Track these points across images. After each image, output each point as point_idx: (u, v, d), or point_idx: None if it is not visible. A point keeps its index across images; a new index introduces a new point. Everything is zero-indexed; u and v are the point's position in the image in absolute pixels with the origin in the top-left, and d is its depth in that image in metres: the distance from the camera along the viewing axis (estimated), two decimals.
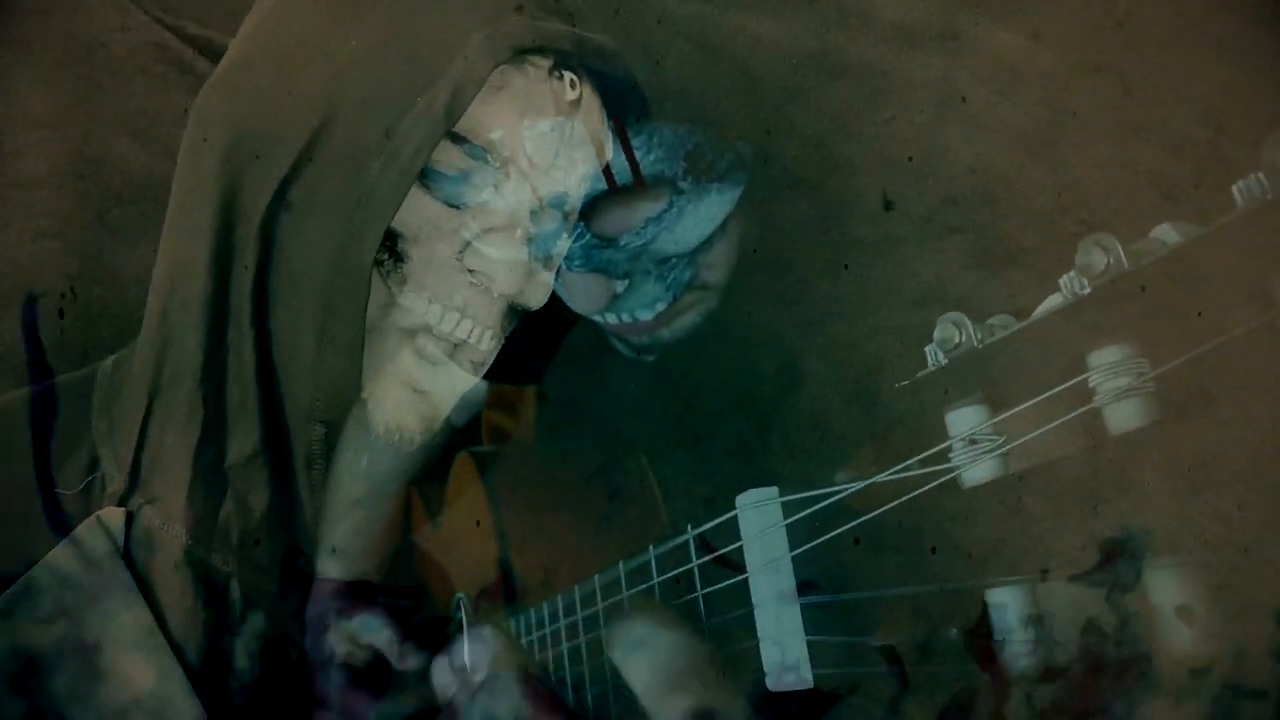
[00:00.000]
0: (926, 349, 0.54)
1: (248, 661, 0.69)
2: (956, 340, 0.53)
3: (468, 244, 0.70)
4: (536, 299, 0.74)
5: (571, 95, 0.71)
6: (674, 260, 0.85)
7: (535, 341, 0.86)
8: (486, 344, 0.73)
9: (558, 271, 0.86)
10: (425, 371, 0.72)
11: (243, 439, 0.68)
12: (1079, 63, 0.74)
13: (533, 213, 0.72)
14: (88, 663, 0.65)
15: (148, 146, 0.94)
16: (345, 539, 0.74)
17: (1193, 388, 0.42)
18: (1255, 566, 0.40)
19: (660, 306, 0.86)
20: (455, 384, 0.74)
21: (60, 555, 0.66)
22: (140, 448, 0.69)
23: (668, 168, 0.81)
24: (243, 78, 0.69)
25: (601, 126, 0.76)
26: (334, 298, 0.67)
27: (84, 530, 0.67)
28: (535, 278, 0.73)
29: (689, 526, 0.64)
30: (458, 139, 0.67)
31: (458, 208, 0.69)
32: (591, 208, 0.82)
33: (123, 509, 0.68)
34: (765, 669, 0.56)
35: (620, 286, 0.85)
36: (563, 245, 0.76)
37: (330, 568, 0.74)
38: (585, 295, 0.85)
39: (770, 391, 0.86)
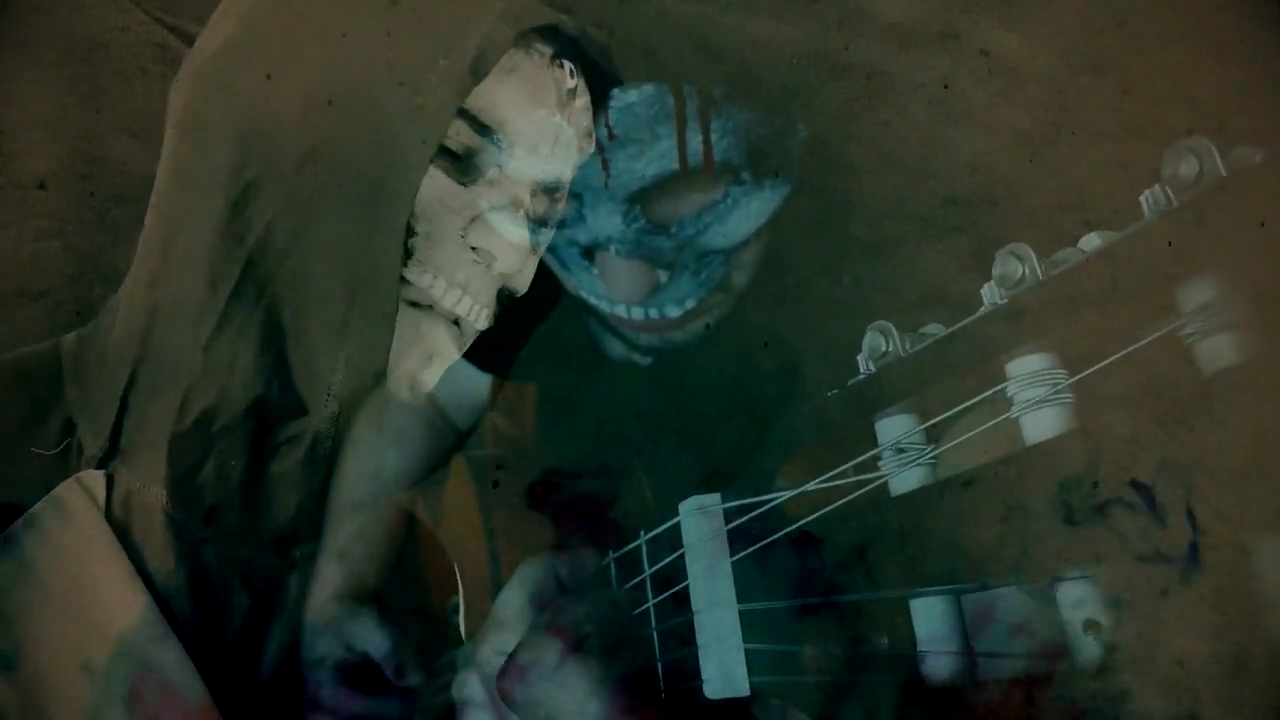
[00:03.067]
0: (858, 357, 0.55)
1: (230, 628, 0.70)
2: (884, 349, 0.54)
3: (472, 220, 0.71)
4: (524, 283, 0.76)
5: (570, 84, 0.74)
6: (711, 256, 0.84)
7: (506, 332, 0.86)
8: (482, 323, 0.75)
9: (593, 258, 0.86)
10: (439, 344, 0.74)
11: (235, 402, 0.68)
12: (1079, 63, 0.74)
13: (532, 195, 0.74)
14: (71, 614, 0.65)
15: (148, 146, 0.94)
16: (348, 541, 0.74)
17: (1193, 388, 0.42)
18: (1256, 566, 0.40)
19: (689, 304, 0.85)
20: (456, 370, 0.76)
21: (40, 511, 0.67)
22: (121, 414, 0.70)
23: (735, 156, 0.80)
24: (246, 50, 0.69)
25: (590, 117, 0.78)
26: (364, 263, 0.68)
27: (63, 489, 0.68)
28: (529, 261, 0.75)
29: (641, 531, 0.64)
30: (467, 116, 0.69)
31: (464, 185, 0.71)
32: (649, 191, 0.81)
33: (102, 471, 0.69)
34: (703, 676, 0.56)
35: (664, 277, 0.84)
36: (548, 234, 0.77)
37: (332, 570, 0.73)
38: (630, 282, 0.84)
39: (770, 391, 0.85)
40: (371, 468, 0.75)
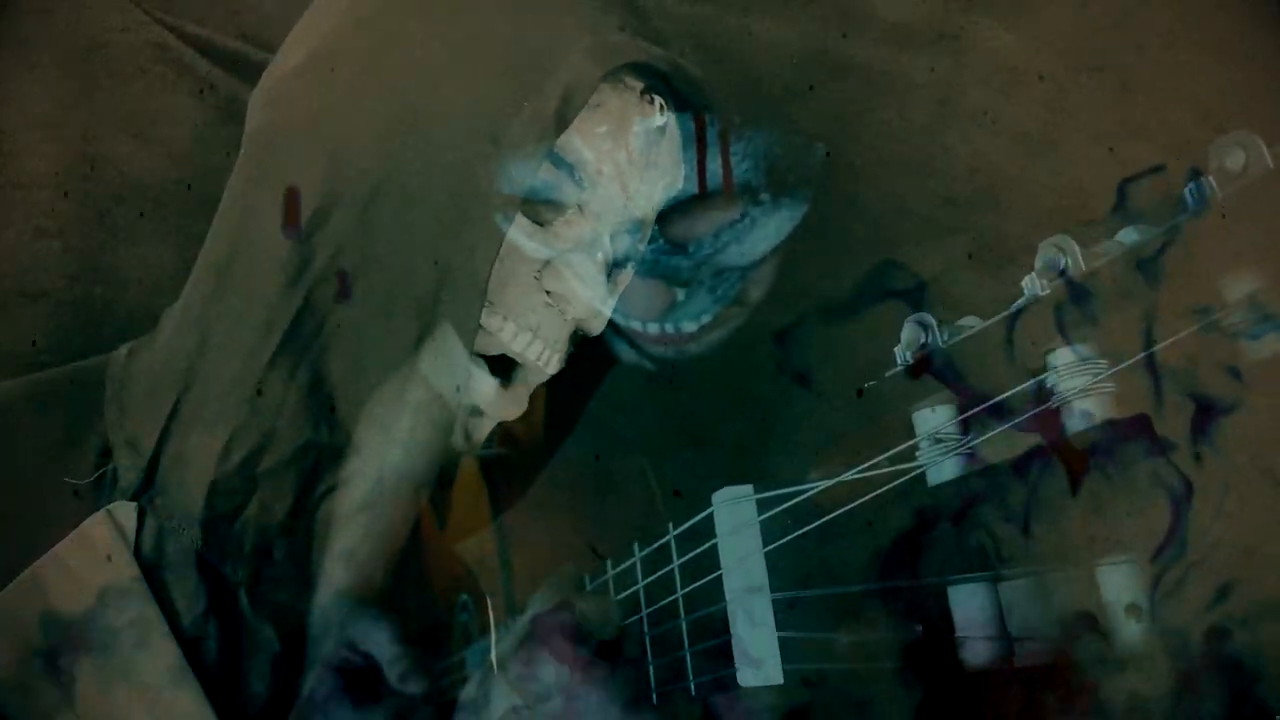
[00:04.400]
0: (895, 349, 0.55)
1: (262, 683, 0.67)
2: (922, 340, 0.54)
3: (548, 263, 0.68)
4: (600, 325, 0.73)
5: (660, 121, 0.70)
6: (728, 273, 0.84)
7: None
8: (552, 367, 0.72)
9: (611, 275, 0.85)
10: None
11: (283, 445, 0.66)
12: (1079, 63, 0.74)
13: (613, 237, 0.71)
14: (94, 659, 0.63)
15: (148, 146, 0.94)
16: (355, 541, 0.74)
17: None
18: (1256, 566, 0.40)
19: (705, 319, 0.85)
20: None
21: (67, 548, 0.64)
22: (162, 444, 0.67)
23: (755, 177, 0.80)
24: (324, 71, 0.67)
25: (680, 154, 0.74)
26: (440, 311, 0.64)
27: (91, 524, 0.65)
28: (606, 303, 0.72)
29: (670, 526, 0.64)
30: (549, 153, 0.65)
31: (541, 224, 0.67)
32: (669, 212, 0.80)
33: (134, 504, 0.66)
34: (735, 664, 0.56)
35: (681, 295, 0.84)
36: (628, 274, 0.75)
37: (339, 570, 0.73)
38: (645, 301, 0.83)
39: (770, 392, 0.85)
40: (379, 468, 0.74)
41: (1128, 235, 0.47)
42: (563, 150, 0.66)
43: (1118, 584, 0.45)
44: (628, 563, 0.67)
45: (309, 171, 0.64)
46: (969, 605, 0.51)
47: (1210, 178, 0.42)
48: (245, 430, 0.65)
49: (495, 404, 0.72)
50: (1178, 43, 0.71)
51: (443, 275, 0.64)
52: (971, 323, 0.53)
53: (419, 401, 0.73)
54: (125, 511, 0.66)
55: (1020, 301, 0.49)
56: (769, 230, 0.82)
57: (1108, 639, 0.44)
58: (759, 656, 0.56)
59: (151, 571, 0.64)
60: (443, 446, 0.72)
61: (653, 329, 0.86)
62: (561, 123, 0.63)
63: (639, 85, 0.68)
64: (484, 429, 0.74)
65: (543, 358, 0.70)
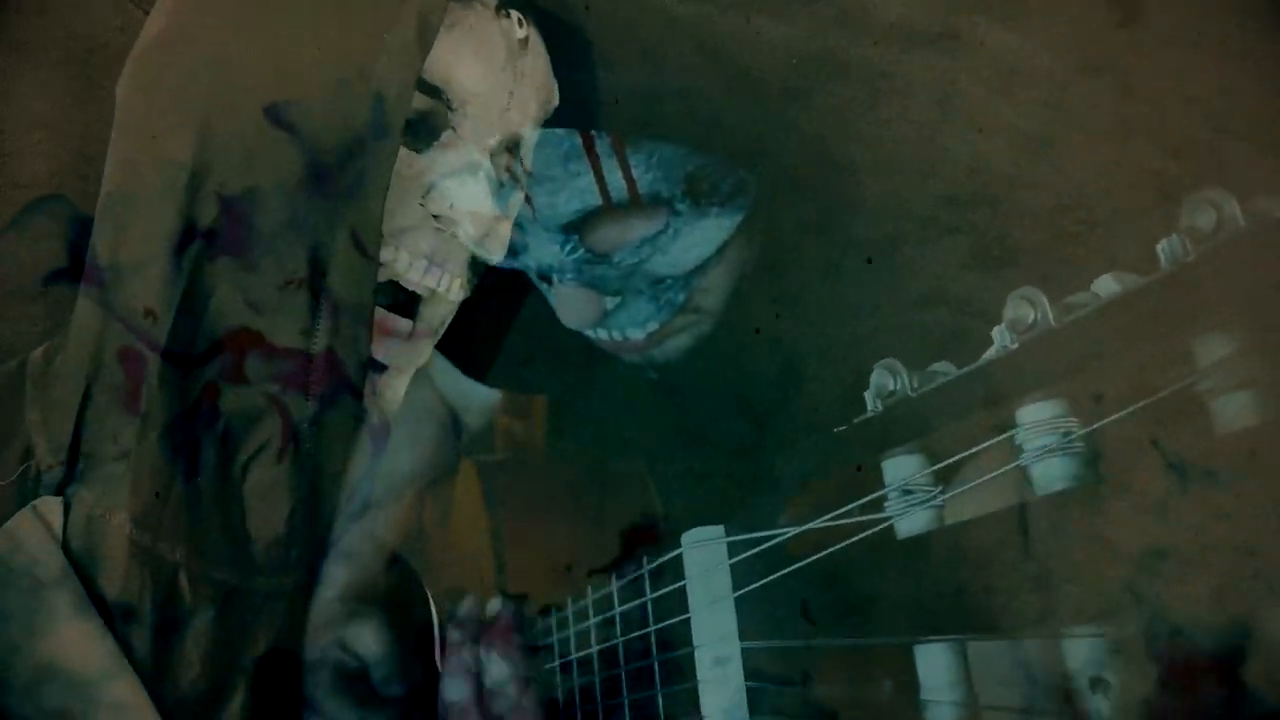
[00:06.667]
0: (865, 394, 0.54)
1: (197, 663, 0.64)
2: (891, 387, 0.53)
3: (431, 187, 0.69)
4: (498, 250, 0.73)
5: (520, 34, 0.71)
6: (668, 281, 0.84)
7: (487, 327, 0.86)
8: (455, 293, 0.72)
9: (550, 282, 0.85)
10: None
11: (198, 416, 0.64)
12: (1079, 63, 0.74)
13: (492, 156, 0.71)
14: (25, 658, 0.61)
15: None
16: (356, 541, 0.73)
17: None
18: (1256, 567, 0.40)
19: (652, 326, 0.86)
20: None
21: None
22: (78, 432, 0.65)
23: (665, 188, 0.81)
24: (179, 43, 0.66)
25: (549, 68, 0.75)
26: (335, 258, 0.64)
27: (15, 522, 0.63)
28: (498, 225, 0.72)
29: (644, 559, 0.64)
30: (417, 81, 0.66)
31: (419, 151, 0.68)
32: (586, 222, 0.81)
33: (59, 498, 0.64)
34: (703, 711, 0.56)
35: (611, 303, 0.84)
36: (518, 196, 0.75)
37: (339, 570, 0.73)
38: (576, 309, 0.85)
39: (770, 392, 0.85)
40: (380, 467, 0.74)
41: (1103, 284, 0.46)
42: (428, 75, 0.66)
43: (1084, 656, 0.44)
44: (601, 591, 0.67)
45: (180, 141, 0.64)
46: (935, 666, 0.50)
47: (1183, 235, 0.41)
48: (156, 406, 0.64)
49: (399, 352, 0.71)
50: (1178, 43, 0.71)
51: (331, 225, 0.64)
52: (944, 369, 0.52)
53: (425, 403, 0.73)
54: (50, 506, 0.64)
55: (989, 353, 0.48)
56: (695, 240, 0.82)
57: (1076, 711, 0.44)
58: (727, 705, 0.55)
59: (83, 563, 0.63)
60: (446, 447, 0.72)
61: (601, 335, 0.87)
62: (424, 46, 0.64)
63: (492, 1, 0.70)
64: (396, 386, 0.73)
65: (442, 283, 0.70)
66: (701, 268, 0.85)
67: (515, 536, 0.83)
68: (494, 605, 0.72)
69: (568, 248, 0.82)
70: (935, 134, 0.78)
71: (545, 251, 0.83)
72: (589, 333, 0.88)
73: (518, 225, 0.81)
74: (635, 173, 0.79)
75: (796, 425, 0.82)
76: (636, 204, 0.81)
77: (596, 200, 0.80)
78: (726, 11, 0.80)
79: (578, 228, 0.81)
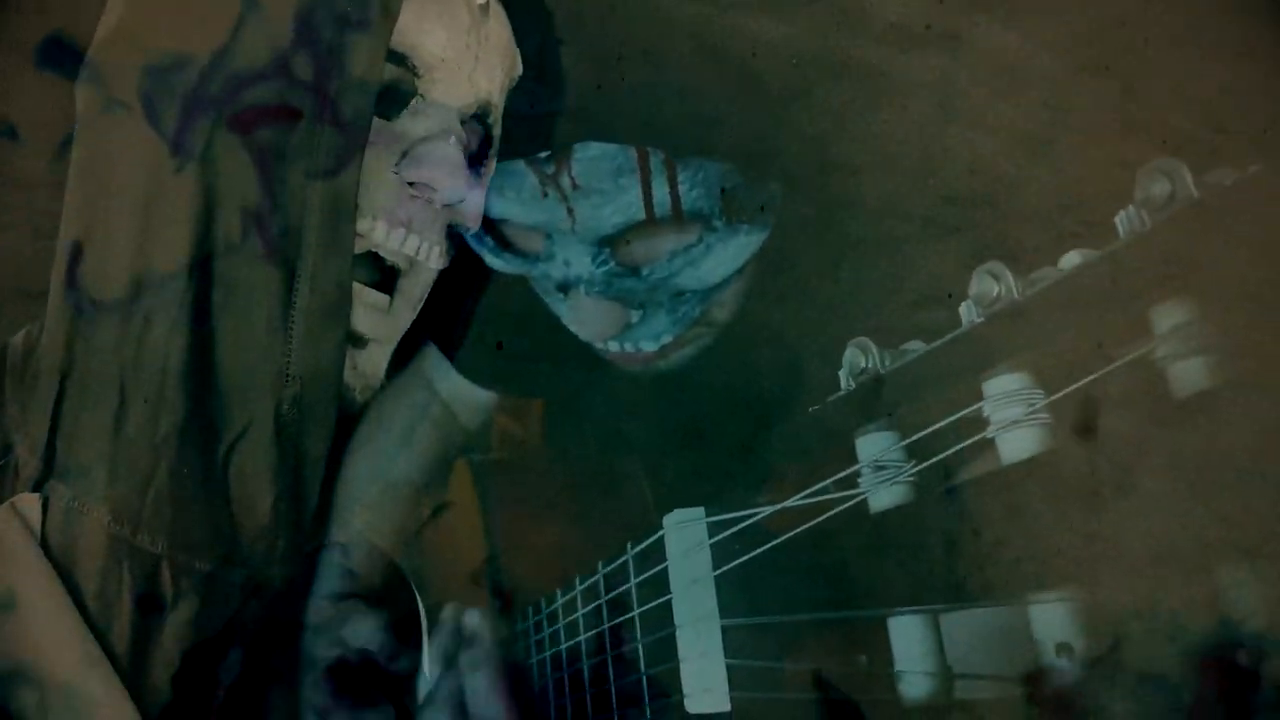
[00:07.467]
0: (839, 373, 0.55)
1: (178, 657, 0.63)
2: (863, 365, 0.53)
3: (404, 155, 0.69)
4: (473, 217, 0.74)
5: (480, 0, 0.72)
6: (688, 295, 0.84)
7: (457, 305, 0.85)
8: (435, 261, 0.72)
9: (567, 293, 0.85)
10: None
11: (171, 410, 0.63)
12: (1079, 63, 0.74)
13: (462, 121, 0.72)
14: (5, 658, 0.60)
15: None
16: (354, 540, 0.73)
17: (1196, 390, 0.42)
18: (1256, 567, 0.40)
19: (666, 339, 0.86)
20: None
21: None
22: (54, 428, 0.64)
23: (706, 204, 0.80)
24: (135, 32, 0.66)
25: (510, 35, 0.76)
26: (311, 236, 0.64)
27: None
28: (474, 191, 0.73)
29: (628, 545, 0.64)
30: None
31: (388, 119, 0.69)
32: (621, 235, 0.81)
33: (37, 494, 0.63)
34: (684, 690, 0.56)
35: (635, 316, 0.84)
36: (490, 163, 0.75)
37: (333, 572, 0.73)
38: (598, 321, 0.84)
39: (770, 392, 0.85)
40: (378, 467, 0.74)
41: (1069, 260, 0.47)
42: (395, 44, 0.67)
43: (1049, 621, 0.44)
44: (588, 581, 0.67)
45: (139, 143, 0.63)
46: (908, 638, 0.50)
47: (1139, 207, 0.42)
48: (134, 394, 0.63)
49: (380, 325, 0.72)
50: (1178, 43, 0.71)
51: (308, 206, 0.64)
52: (915, 347, 0.53)
53: (421, 403, 0.73)
54: (28, 503, 0.63)
55: (959, 330, 0.49)
56: (725, 256, 0.82)
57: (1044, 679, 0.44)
58: (708, 683, 0.55)
59: (62, 559, 0.62)
60: (443, 446, 0.72)
61: (613, 347, 0.86)
62: (389, 16, 0.65)
63: None
64: (377, 360, 0.73)
65: (421, 250, 0.71)
66: (724, 283, 0.84)
67: (510, 537, 0.83)
68: (472, 620, 0.71)
69: (599, 260, 0.82)
70: (935, 134, 0.78)
71: (575, 263, 0.82)
72: (599, 344, 0.87)
73: (547, 235, 0.82)
74: (681, 189, 0.79)
75: (797, 425, 0.82)
76: (678, 219, 0.80)
77: (640, 214, 0.80)
78: (726, 11, 0.80)
79: (610, 241, 0.81)
